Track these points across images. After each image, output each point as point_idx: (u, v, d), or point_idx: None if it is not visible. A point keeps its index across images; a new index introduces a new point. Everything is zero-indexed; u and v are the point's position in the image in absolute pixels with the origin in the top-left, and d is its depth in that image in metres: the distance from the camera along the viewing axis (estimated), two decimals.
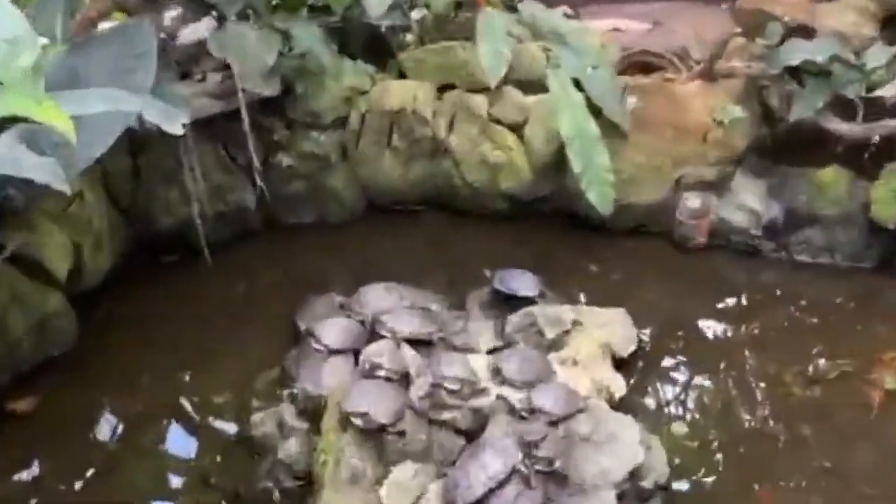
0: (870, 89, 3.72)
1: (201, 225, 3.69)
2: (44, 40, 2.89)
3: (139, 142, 3.60)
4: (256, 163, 3.79)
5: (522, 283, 3.34)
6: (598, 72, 3.76)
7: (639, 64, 4.23)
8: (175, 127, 2.62)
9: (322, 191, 4.09)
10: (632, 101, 3.86)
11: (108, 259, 3.61)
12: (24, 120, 2.05)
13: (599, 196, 3.57)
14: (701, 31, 4.33)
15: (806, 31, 3.97)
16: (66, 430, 2.95)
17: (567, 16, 4.82)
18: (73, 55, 2.82)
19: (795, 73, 3.81)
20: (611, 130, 3.74)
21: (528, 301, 3.28)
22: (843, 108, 3.78)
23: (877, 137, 3.76)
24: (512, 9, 4.14)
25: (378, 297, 3.08)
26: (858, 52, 3.82)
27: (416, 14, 4.36)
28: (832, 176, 3.69)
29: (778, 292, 3.69)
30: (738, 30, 4.14)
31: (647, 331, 3.36)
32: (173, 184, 3.73)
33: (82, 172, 2.81)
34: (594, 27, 4.60)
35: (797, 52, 3.70)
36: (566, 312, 3.19)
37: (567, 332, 3.10)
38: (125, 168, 3.72)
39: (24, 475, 2.75)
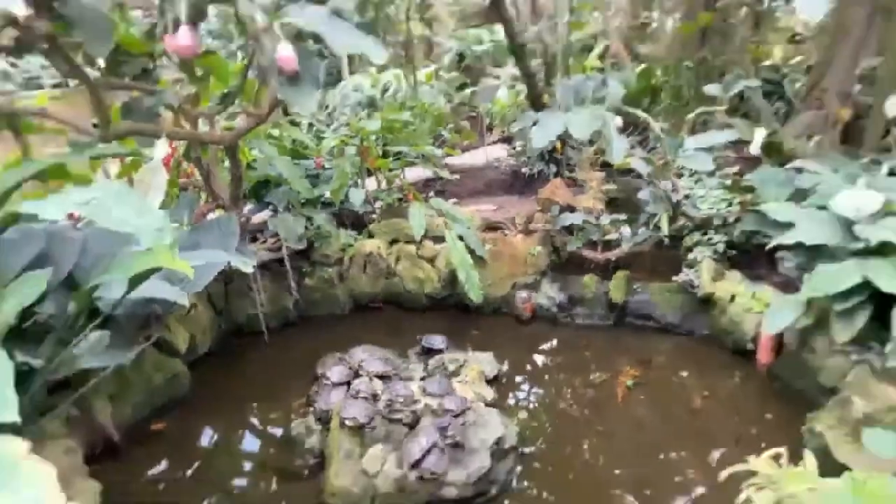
0: (603, 235, 3.99)
1: (263, 319, 3.70)
2: (176, 225, 2.97)
3: (229, 274, 3.59)
4: (293, 284, 3.83)
5: (437, 341, 3.40)
6: (470, 231, 3.94)
7: (491, 226, 4.37)
8: (247, 268, 2.68)
9: (330, 298, 4.07)
10: (488, 245, 4.03)
11: (209, 340, 3.56)
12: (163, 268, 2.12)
13: (474, 294, 3.68)
14: (521, 210, 4.61)
15: (571, 208, 4.17)
16: (183, 440, 2.87)
17: (454, 204, 5.09)
18: (194, 232, 2.87)
19: (568, 229, 4.10)
20: (479, 260, 3.89)
21: (440, 351, 3.35)
22: (592, 245, 4.03)
23: (611, 259, 3.95)
24: (426, 200, 4.36)
25: (360, 354, 3.07)
26: (597, 216, 4.04)
27: (378, 204, 4.56)
28: (589, 279, 3.85)
29: (568, 339, 3.73)
30: (539, 208, 4.30)
31: (504, 364, 3.39)
32: (246, 297, 3.71)
33: (196, 294, 2.86)
34: (468, 209, 4.86)
35: (568, 218, 4.01)
36: (460, 356, 3.25)
37: (460, 366, 3.14)
38: (220, 289, 3.71)
39: (157, 469, 2.67)
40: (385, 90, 7.44)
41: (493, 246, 4.05)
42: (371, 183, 4.76)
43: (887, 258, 2.48)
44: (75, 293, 2.04)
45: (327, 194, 4.06)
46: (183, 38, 2.05)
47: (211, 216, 3.32)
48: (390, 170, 4.56)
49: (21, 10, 1.47)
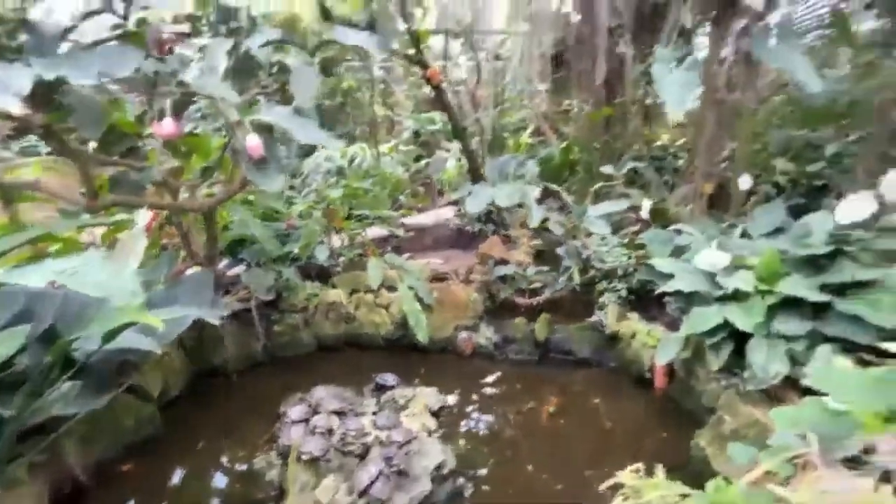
0: (529, 284, 4.16)
1: (232, 362, 3.58)
2: (152, 281, 2.89)
3: (202, 322, 3.48)
4: (260, 330, 3.73)
5: (389, 379, 3.35)
6: (420, 282, 4.03)
7: (438, 277, 4.46)
8: (216, 320, 2.62)
9: (296, 341, 3.99)
10: (434, 294, 4.10)
11: (181, 383, 3.40)
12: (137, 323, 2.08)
13: (422, 335, 3.73)
14: (464, 262, 4.75)
15: (504, 261, 4.32)
16: (151, 480, 2.69)
17: (408, 258, 5.19)
18: (172, 287, 2.81)
19: (502, 279, 4.25)
20: (427, 307, 3.95)
21: (392, 387, 3.31)
22: (521, 292, 4.18)
23: (536, 304, 4.10)
24: (383, 255, 4.44)
25: (319, 392, 3.00)
26: (525, 268, 4.19)
27: (342, 259, 4.58)
28: (519, 321, 3.96)
29: (503, 373, 3.77)
30: (478, 261, 4.44)
31: (448, 396, 3.39)
32: (218, 342, 3.59)
33: (170, 342, 2.77)
34: (419, 262, 4.96)
35: (501, 270, 4.17)
36: (409, 391, 3.21)
37: (409, 400, 3.11)
38: (194, 336, 3.56)
39: None
40: (352, 161, 7.63)
41: (438, 294, 4.11)
42: (337, 240, 4.81)
43: (741, 302, 2.73)
44: (52, 346, 1.97)
45: (297, 251, 4.05)
46: (167, 126, 2.13)
47: (189, 272, 3.25)
48: (352, 229, 4.61)
49: (17, 109, 1.50)
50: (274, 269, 3.70)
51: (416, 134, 9.90)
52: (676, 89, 2.86)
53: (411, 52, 4.85)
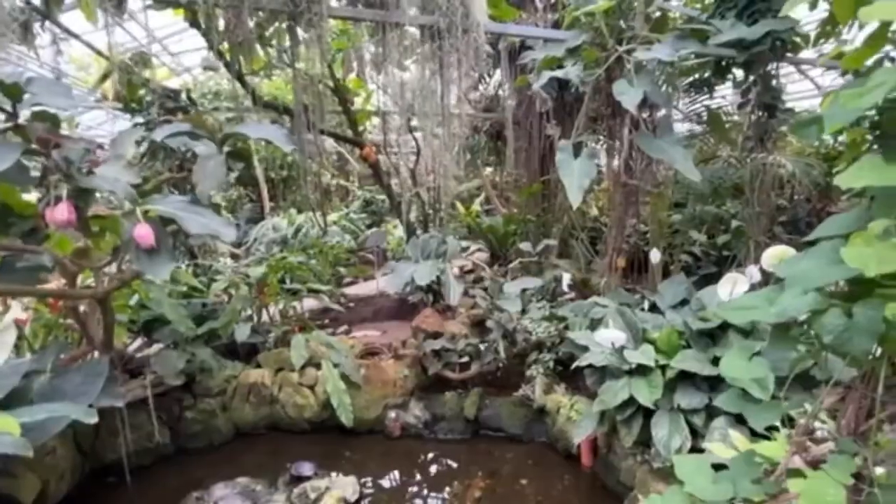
0: (460, 356, 4.15)
1: (130, 457, 3.25)
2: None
3: (100, 411, 3.22)
4: (155, 422, 3.39)
5: (305, 468, 3.19)
6: (347, 359, 3.94)
7: (371, 351, 4.40)
8: (90, 418, 2.26)
9: (211, 428, 3.72)
10: (363, 371, 4.02)
11: (69, 485, 3.05)
12: None
13: (346, 418, 3.59)
14: (402, 335, 4.73)
15: (437, 334, 4.35)
16: None
17: (346, 330, 5.11)
18: (57, 378, 2.58)
19: (436, 352, 4.22)
20: (353, 385, 3.84)
21: (309, 478, 3.14)
22: (453, 366, 4.17)
23: (466, 378, 4.09)
24: (322, 329, 4.35)
25: (219, 490, 2.81)
26: (458, 340, 4.24)
27: (271, 335, 4.44)
28: (450, 397, 3.93)
29: (431, 454, 3.67)
30: (412, 335, 4.45)
31: (368, 484, 3.24)
32: (117, 435, 3.28)
33: (60, 435, 2.52)
34: (353, 336, 4.89)
35: (431, 344, 4.16)
36: (324, 482, 3.03)
37: (322, 493, 2.93)
38: (88, 428, 3.25)
39: None
40: (298, 230, 7.67)
41: (367, 371, 4.02)
42: (269, 315, 4.70)
43: (645, 377, 2.83)
44: None
45: (219, 329, 3.91)
46: (60, 213, 2.10)
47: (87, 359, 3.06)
48: (284, 303, 4.54)
49: None
50: (188, 350, 3.51)
51: (368, 202, 10.17)
52: (576, 176, 3.14)
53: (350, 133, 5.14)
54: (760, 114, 4.10)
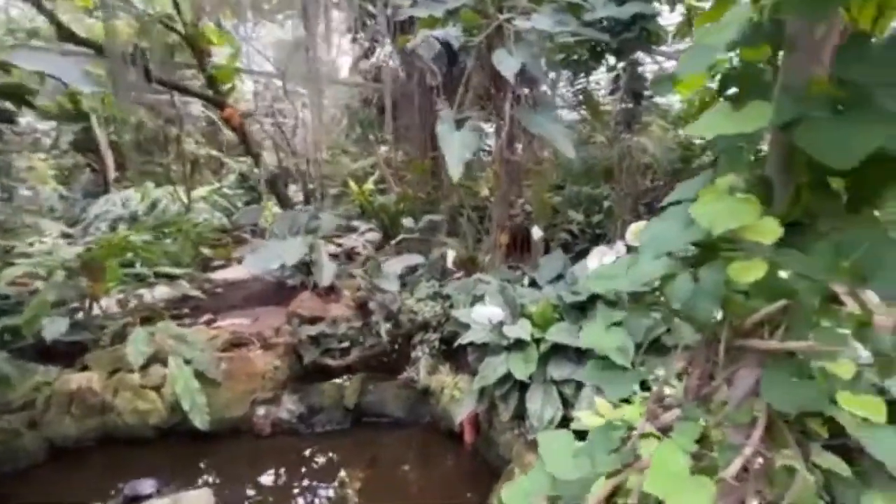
0: (341, 341, 3.87)
1: None
2: None
3: None
4: None
5: (145, 486, 2.73)
6: (203, 353, 3.42)
7: (236, 342, 3.89)
8: None
9: (14, 451, 2.97)
10: (223, 364, 3.52)
11: None
12: None
13: (200, 420, 3.11)
14: (276, 321, 4.27)
15: (318, 318, 4.03)
16: None
17: (209, 319, 4.47)
18: None
19: (314, 338, 3.89)
20: (212, 382, 3.35)
21: (149, 496, 2.66)
22: (333, 353, 3.87)
23: (346, 364, 3.83)
24: (160, 321, 3.70)
25: None
26: (339, 324, 3.93)
27: (107, 330, 3.67)
28: (329, 386, 3.64)
29: (306, 451, 3.37)
30: (287, 321, 4.04)
31: (231, 490, 2.87)
32: None
33: None
34: (220, 326, 4.29)
35: (308, 329, 3.81)
36: (166, 501, 2.52)
37: None
38: None
39: None
40: (154, 206, 6.55)
41: (230, 365, 3.54)
42: (107, 305, 3.89)
43: (522, 351, 2.84)
44: None
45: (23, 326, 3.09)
46: None
47: None
48: (121, 292, 3.78)
49: None
50: None
51: (245, 176, 9.12)
52: (457, 149, 3.00)
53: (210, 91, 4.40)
54: (628, 100, 4.37)
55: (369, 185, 9.62)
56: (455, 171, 2.91)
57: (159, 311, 4.04)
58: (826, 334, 1.01)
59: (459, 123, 3.15)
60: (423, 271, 4.45)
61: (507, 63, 2.75)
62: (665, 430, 1.32)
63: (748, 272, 0.90)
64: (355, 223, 6.71)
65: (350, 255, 5.25)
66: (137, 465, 3.07)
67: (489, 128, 4.36)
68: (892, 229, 0.88)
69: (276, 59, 7.05)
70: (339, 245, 5.20)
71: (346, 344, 3.76)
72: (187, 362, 3.23)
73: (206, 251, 5.43)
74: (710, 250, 1.11)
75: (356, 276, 3.55)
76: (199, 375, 3.27)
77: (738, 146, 1.14)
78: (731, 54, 1.11)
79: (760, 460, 1.16)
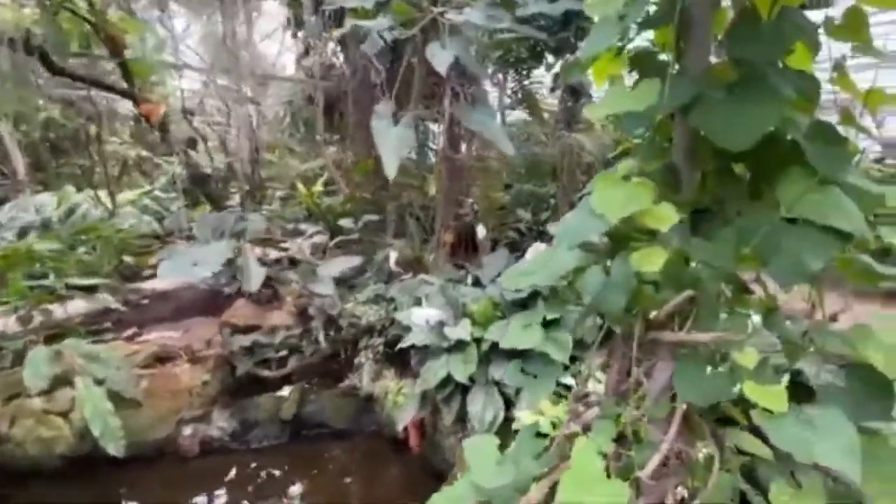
0: (278, 351, 3.65)
1: None
2: None
3: None
4: None
5: None
6: (119, 371, 3.10)
7: (161, 357, 3.58)
8: None
9: None
10: (144, 382, 3.23)
11: None
12: None
13: (113, 446, 2.79)
14: (206, 334, 3.98)
15: (253, 327, 3.78)
16: None
17: (133, 333, 4.10)
18: None
19: (248, 349, 3.64)
20: (129, 402, 3.06)
21: None
22: (269, 363, 3.64)
23: (283, 375, 3.62)
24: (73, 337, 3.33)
25: None
26: (277, 333, 3.74)
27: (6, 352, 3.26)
28: (264, 399, 3.42)
29: (239, 470, 3.14)
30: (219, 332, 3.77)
31: None
32: None
33: None
34: (146, 339, 3.94)
35: (241, 340, 3.57)
36: None
37: None
38: None
39: None
40: (72, 211, 5.97)
41: (152, 382, 3.26)
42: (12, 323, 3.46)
43: (462, 352, 2.77)
44: None
45: None
46: None
47: None
48: (22, 307, 3.37)
49: None
50: None
51: (177, 179, 8.55)
52: (393, 145, 2.89)
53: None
54: (567, 98, 4.43)
55: (318, 187, 9.30)
56: (391, 168, 2.80)
57: (73, 326, 3.65)
58: (733, 323, 0.98)
59: (397, 119, 3.04)
60: (371, 273, 4.30)
61: (440, 57, 2.67)
62: (588, 429, 1.27)
63: (649, 261, 0.85)
64: (303, 226, 6.44)
65: (293, 260, 5.01)
66: (41, 501, 2.74)
67: (438, 127, 4.28)
68: (788, 211, 0.86)
69: (206, 53, 6.65)
70: (285, 249, 4.96)
71: (284, 353, 3.54)
72: (99, 382, 2.92)
73: (129, 259, 4.99)
74: (622, 241, 1.07)
75: (292, 281, 3.35)
76: (115, 396, 2.96)
77: (653, 136, 1.10)
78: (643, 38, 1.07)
79: (679, 455, 1.13)
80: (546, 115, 5.09)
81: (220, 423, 3.28)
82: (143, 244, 5.81)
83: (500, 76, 4.88)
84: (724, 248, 0.93)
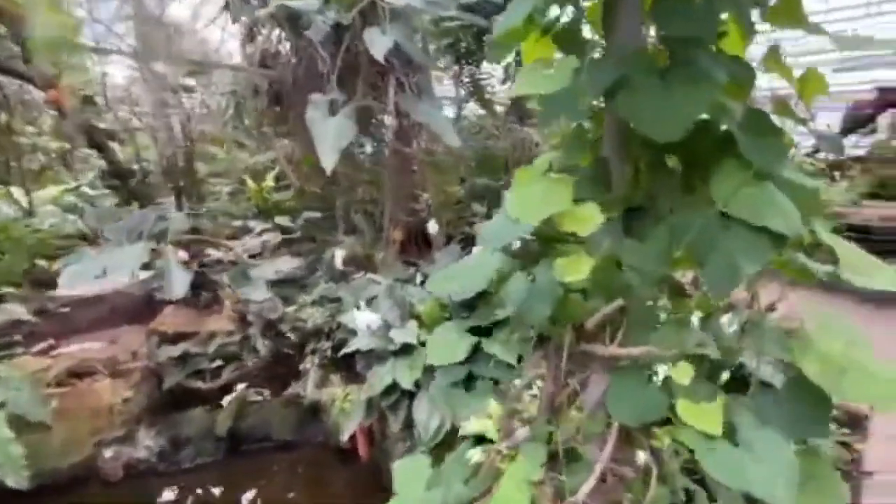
0: (212, 360, 3.40)
1: None
2: None
3: None
4: None
5: None
6: (22, 392, 2.75)
7: (80, 370, 3.24)
8: None
9: None
10: (55, 402, 2.88)
11: None
12: None
13: (14, 477, 2.46)
14: (134, 343, 3.64)
15: (186, 335, 3.49)
16: None
17: (49, 346, 3.70)
18: None
19: (181, 358, 3.36)
20: (37, 426, 2.73)
21: None
22: (204, 374, 3.38)
23: (219, 386, 3.36)
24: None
25: None
26: (212, 341, 3.48)
27: None
28: (198, 413, 3.15)
29: (173, 492, 2.92)
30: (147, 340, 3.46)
31: None
32: None
33: None
34: (63, 352, 3.55)
35: (169, 351, 3.28)
36: None
37: None
38: None
39: None
40: None
41: (66, 401, 2.92)
42: None
43: (408, 356, 2.63)
44: None
45: None
46: None
47: None
48: None
49: None
50: None
51: (111, 174, 7.89)
52: (330, 137, 2.69)
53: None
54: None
55: (269, 182, 8.86)
56: (328, 161, 2.60)
57: None
58: (667, 335, 0.89)
59: (333, 105, 2.84)
60: (322, 272, 4.09)
61: (378, 43, 2.49)
62: (521, 447, 1.16)
63: (573, 269, 0.74)
64: (252, 223, 6.09)
65: (235, 262, 4.70)
66: None
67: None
68: (723, 207, 0.77)
69: (137, 38, 6.12)
70: (230, 249, 4.64)
71: (220, 363, 3.28)
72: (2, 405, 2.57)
73: (44, 263, 4.50)
74: (549, 243, 0.95)
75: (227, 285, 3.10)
76: (18, 420, 2.61)
77: (580, 126, 0.99)
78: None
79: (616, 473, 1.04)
80: (501, 109, 5.00)
81: (147, 443, 3.00)
82: (66, 245, 5.28)
83: (457, 68, 4.74)
84: (656, 250, 0.83)
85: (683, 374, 0.81)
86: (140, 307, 4.61)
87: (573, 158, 0.95)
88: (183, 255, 2.66)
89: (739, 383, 1.09)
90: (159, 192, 5.62)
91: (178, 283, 2.44)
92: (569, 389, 1.08)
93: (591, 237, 0.91)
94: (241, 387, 3.38)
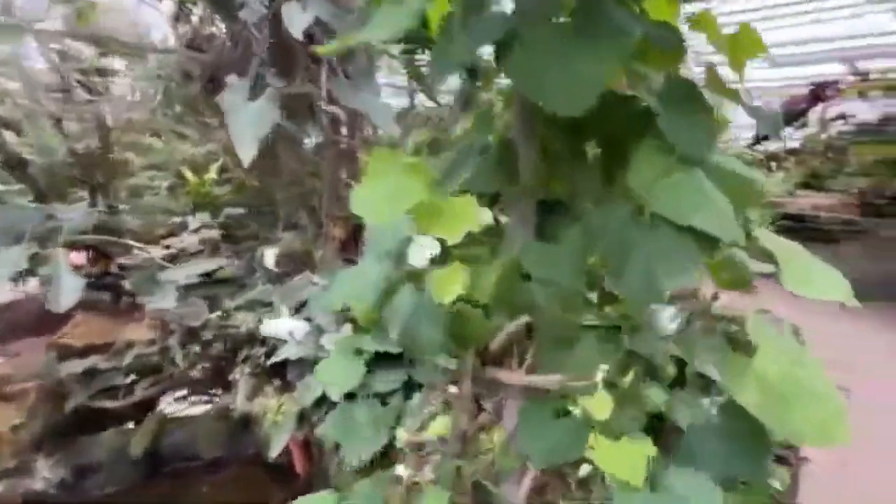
0: (126, 375, 3.05)
1: None
2: None
3: None
4: None
5: None
6: None
7: None
8: None
9: None
10: None
11: None
12: None
13: None
14: (34, 358, 3.21)
15: (96, 348, 3.11)
16: None
17: None
18: None
19: (86, 376, 2.98)
20: None
21: None
22: (116, 391, 3.02)
23: (133, 403, 3.03)
24: None
25: None
26: (128, 353, 3.13)
27: None
28: (109, 435, 2.86)
29: None
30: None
31: None
32: None
33: None
34: None
35: (70, 366, 2.90)
36: None
37: None
38: None
39: None
40: None
41: None
42: None
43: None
44: None
45: None
46: None
47: None
48: None
49: None
50: None
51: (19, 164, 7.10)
52: (248, 125, 2.40)
53: None
54: (464, 79, 4.16)
55: (211, 175, 8.29)
56: (246, 152, 2.32)
57: None
58: (586, 355, 0.73)
59: (257, 93, 2.55)
60: (260, 273, 3.80)
61: (296, 19, 2.23)
62: (430, 481, 0.99)
63: (446, 286, 0.56)
64: (190, 219, 5.64)
65: (173, 260, 4.31)
66: None
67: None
68: (641, 201, 0.61)
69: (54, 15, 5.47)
70: (167, 247, 4.24)
71: (134, 377, 2.93)
72: None
73: None
74: (448, 249, 0.77)
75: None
76: None
77: (486, 108, 0.81)
78: None
79: None
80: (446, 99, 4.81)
81: (46, 474, 2.63)
82: None
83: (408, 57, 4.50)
84: (569, 256, 0.66)
85: (602, 407, 0.65)
86: (50, 316, 4.13)
87: (482, 141, 0.77)
88: (78, 258, 2.30)
89: (680, 381, 0.97)
90: (75, 187, 5.08)
91: (67, 293, 2.10)
92: (483, 416, 0.91)
93: (506, 239, 0.75)
94: (162, 402, 3.05)
